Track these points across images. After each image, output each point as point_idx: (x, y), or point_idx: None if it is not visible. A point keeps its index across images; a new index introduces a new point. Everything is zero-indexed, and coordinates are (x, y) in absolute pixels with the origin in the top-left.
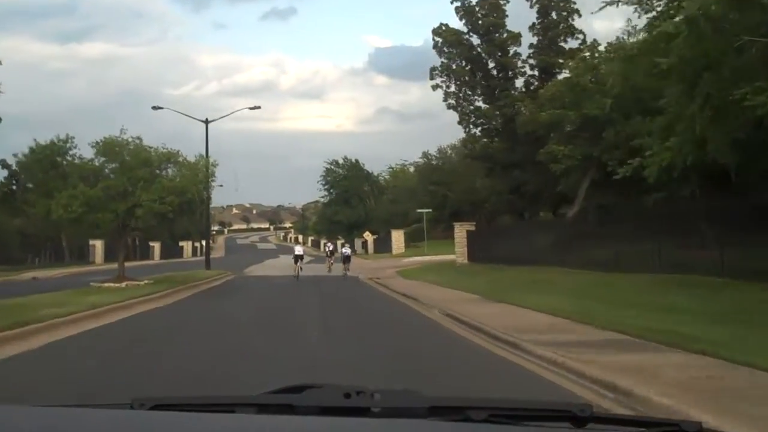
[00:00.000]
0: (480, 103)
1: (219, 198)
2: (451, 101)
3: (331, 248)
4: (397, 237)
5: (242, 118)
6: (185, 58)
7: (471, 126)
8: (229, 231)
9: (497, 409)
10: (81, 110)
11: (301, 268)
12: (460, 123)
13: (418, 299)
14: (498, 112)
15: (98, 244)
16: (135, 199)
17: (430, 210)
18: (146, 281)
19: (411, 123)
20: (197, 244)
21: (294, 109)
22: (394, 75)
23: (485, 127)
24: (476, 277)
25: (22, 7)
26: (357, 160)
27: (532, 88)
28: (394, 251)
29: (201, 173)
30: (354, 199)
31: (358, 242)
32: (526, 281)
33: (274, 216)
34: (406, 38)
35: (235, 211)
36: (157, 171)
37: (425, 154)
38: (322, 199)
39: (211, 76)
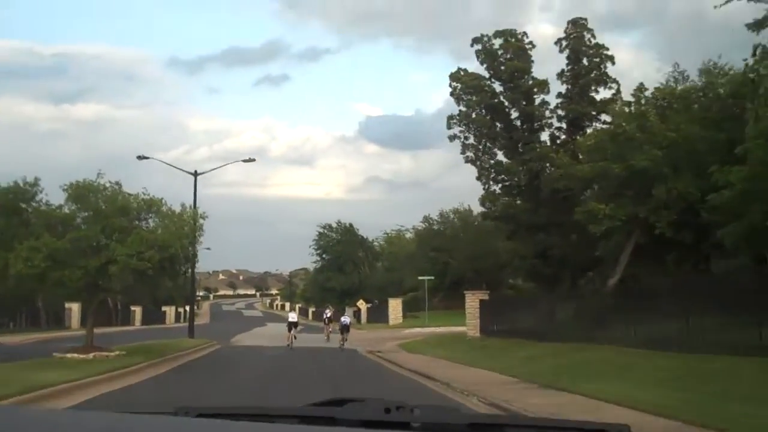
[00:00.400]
0: (501, 157)
1: (205, 263)
2: (470, 154)
3: (328, 315)
4: (395, 306)
5: (231, 184)
6: (176, 122)
7: (491, 182)
8: (214, 296)
9: (536, 427)
10: (67, 174)
11: (294, 337)
12: (478, 179)
13: (441, 381)
14: (522, 168)
15: (75, 308)
16: (109, 253)
17: (432, 277)
18: (117, 352)
19: (400, 192)
20: (180, 310)
21: (283, 175)
22: (384, 144)
23: (506, 183)
24: (499, 355)
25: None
26: (351, 225)
27: (558, 141)
28: (391, 321)
29: (187, 226)
30: (348, 265)
31: (349, 311)
32: (568, 361)
33: (260, 282)
34: (398, 108)
35: (221, 276)
36: (136, 222)
37: (426, 219)
38: (314, 264)
39: (201, 140)
